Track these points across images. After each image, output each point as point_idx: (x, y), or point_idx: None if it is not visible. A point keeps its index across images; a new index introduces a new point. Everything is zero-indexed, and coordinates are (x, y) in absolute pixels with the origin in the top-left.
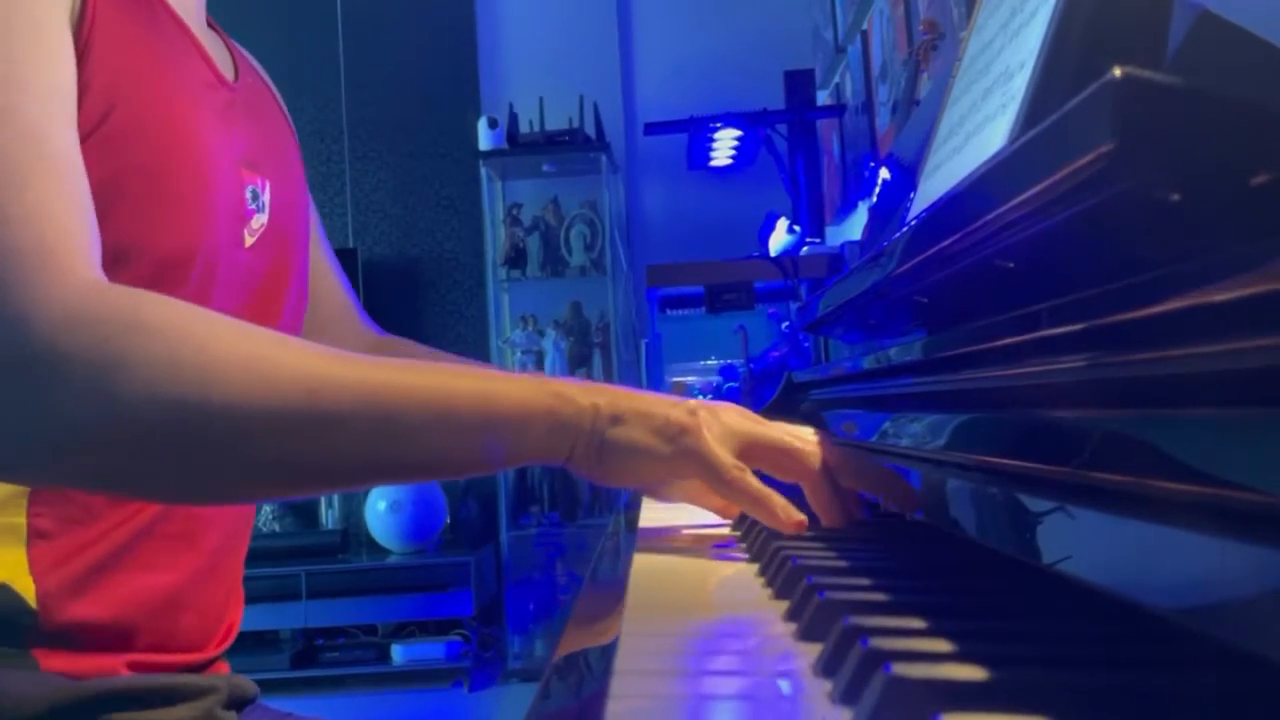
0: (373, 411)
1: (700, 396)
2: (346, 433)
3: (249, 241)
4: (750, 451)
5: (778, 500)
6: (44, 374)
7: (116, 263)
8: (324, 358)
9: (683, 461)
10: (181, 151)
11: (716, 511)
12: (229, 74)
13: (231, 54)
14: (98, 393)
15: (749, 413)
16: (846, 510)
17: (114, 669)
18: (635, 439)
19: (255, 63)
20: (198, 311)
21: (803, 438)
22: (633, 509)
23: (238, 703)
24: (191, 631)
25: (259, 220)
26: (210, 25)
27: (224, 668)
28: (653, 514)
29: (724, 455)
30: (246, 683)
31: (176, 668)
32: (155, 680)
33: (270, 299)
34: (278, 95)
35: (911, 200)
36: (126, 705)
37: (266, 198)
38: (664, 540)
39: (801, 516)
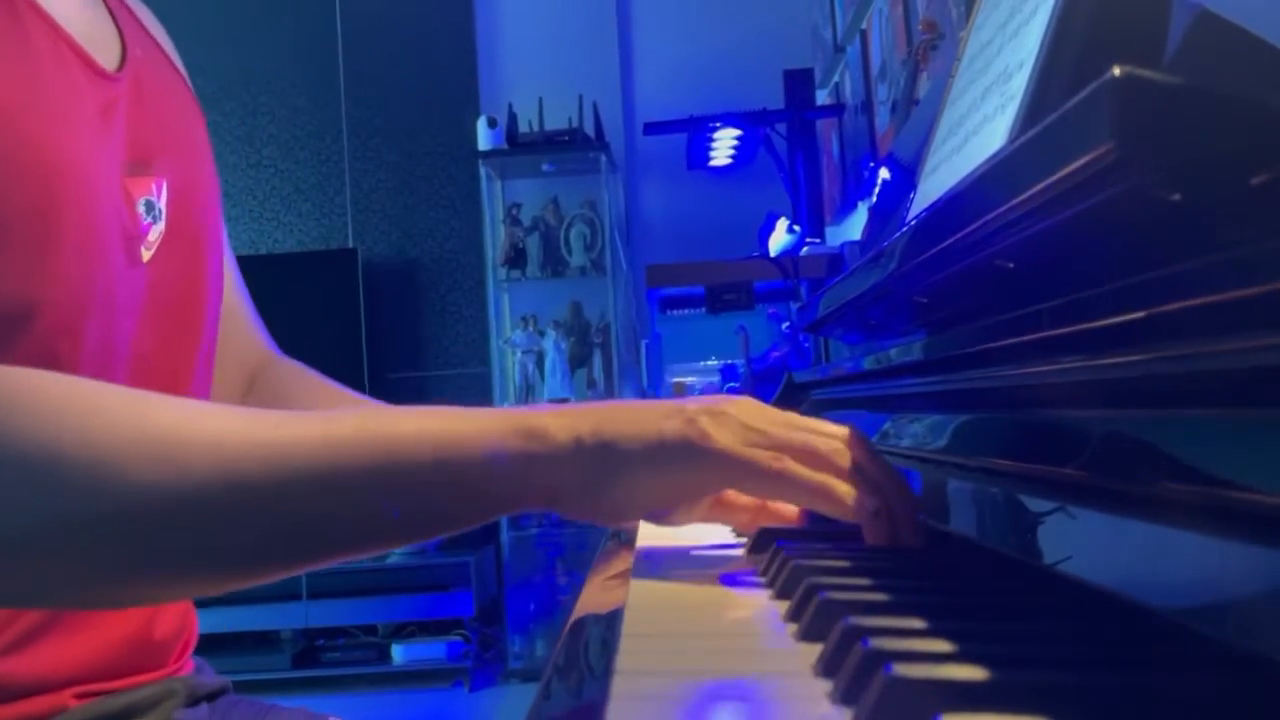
0: (302, 480)
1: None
2: (274, 510)
3: (147, 256)
4: (769, 446)
5: (840, 486)
6: None
7: (8, 325)
8: (244, 421)
9: (699, 474)
10: (61, 188)
11: (741, 527)
12: (112, 60)
13: (118, 24)
14: None
15: (762, 404)
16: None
17: (60, 703)
18: (632, 463)
19: (150, 21)
20: (77, 387)
21: (829, 434)
22: None
23: (204, 697)
24: (144, 661)
25: (156, 230)
26: None
27: (187, 666)
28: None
29: (751, 450)
30: (212, 677)
31: (132, 686)
32: (105, 704)
33: (186, 310)
34: (171, 51)
35: (911, 200)
36: None
37: (162, 203)
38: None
39: (877, 501)
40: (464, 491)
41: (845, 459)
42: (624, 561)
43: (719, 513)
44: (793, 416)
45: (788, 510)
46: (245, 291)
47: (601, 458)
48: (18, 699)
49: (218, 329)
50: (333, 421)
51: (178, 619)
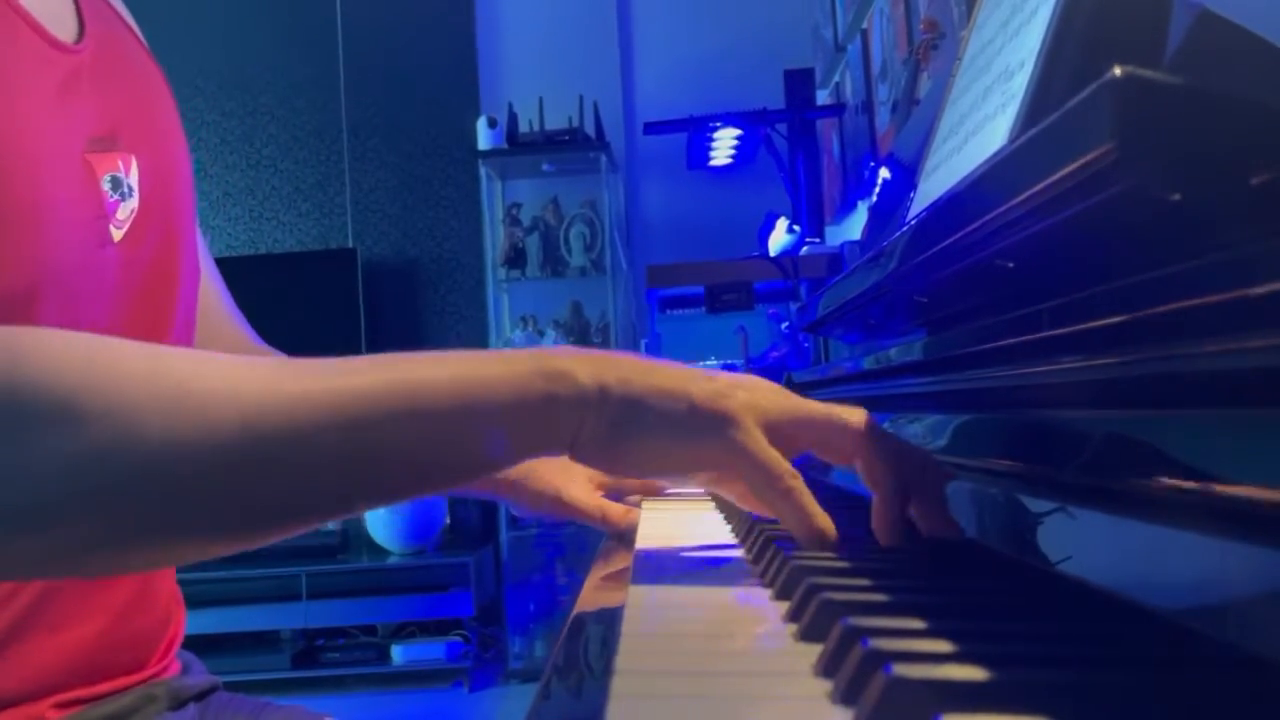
0: (325, 428)
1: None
2: (298, 460)
3: (118, 236)
4: (795, 430)
5: (832, 529)
6: None
7: None
8: (257, 372)
9: (717, 454)
10: (9, 164)
11: (739, 499)
12: (69, 33)
13: (78, 4)
14: None
15: (782, 389)
16: (906, 499)
17: (39, 714)
18: (656, 424)
19: (117, 4)
20: (92, 345)
21: (854, 410)
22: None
23: (191, 698)
24: (126, 661)
25: (126, 208)
26: None
27: (173, 666)
28: (651, 529)
29: (774, 455)
30: (200, 676)
31: (114, 692)
32: (85, 714)
33: (160, 292)
34: (143, 39)
35: (911, 200)
36: None
37: (134, 179)
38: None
39: (834, 535)
40: (488, 437)
41: (870, 432)
42: (623, 561)
43: (719, 485)
44: (811, 406)
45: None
46: (220, 279)
47: (626, 411)
48: None
49: (195, 311)
50: (353, 369)
51: (159, 612)
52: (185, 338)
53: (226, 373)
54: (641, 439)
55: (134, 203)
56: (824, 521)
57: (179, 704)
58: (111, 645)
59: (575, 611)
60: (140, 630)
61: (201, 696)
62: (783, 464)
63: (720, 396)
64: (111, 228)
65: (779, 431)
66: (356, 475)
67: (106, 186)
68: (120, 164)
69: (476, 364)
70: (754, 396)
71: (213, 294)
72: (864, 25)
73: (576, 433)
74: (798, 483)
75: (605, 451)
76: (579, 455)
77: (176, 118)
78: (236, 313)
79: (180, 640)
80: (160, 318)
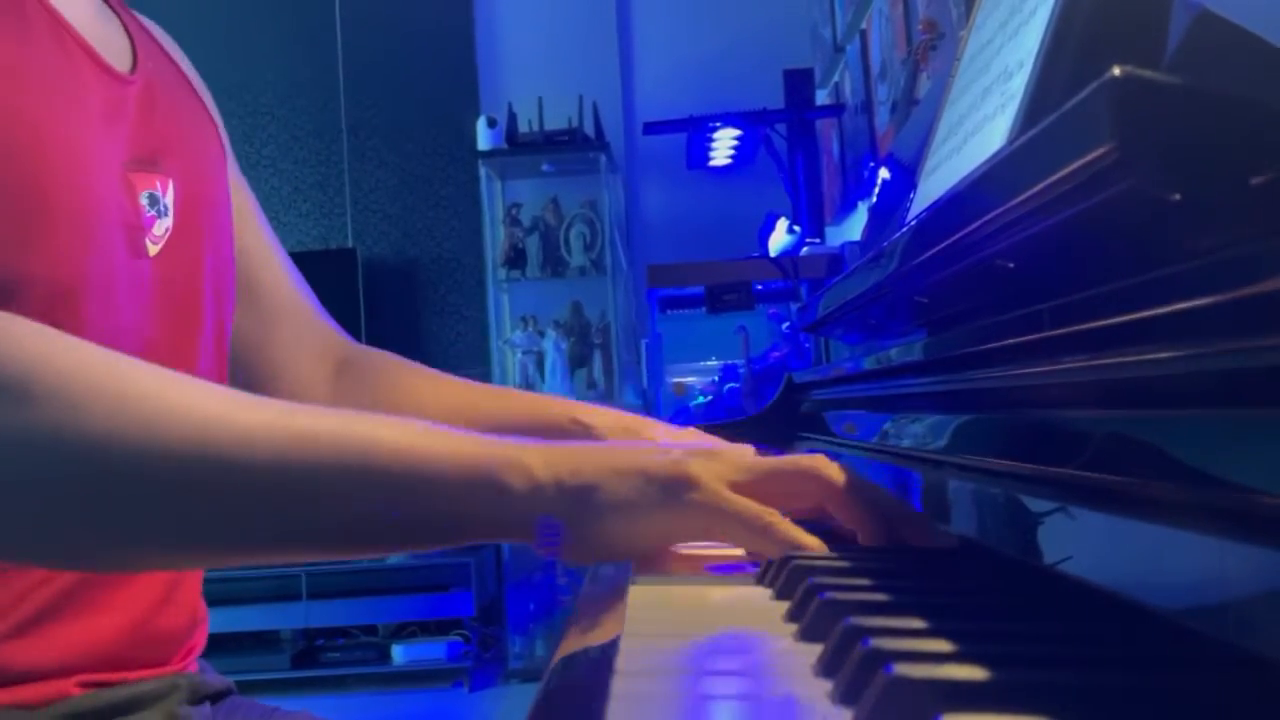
0: (272, 464)
1: (700, 398)
2: (241, 490)
3: (153, 250)
4: (759, 485)
5: (817, 545)
6: None
7: (1, 297)
8: (218, 397)
9: (687, 520)
10: (55, 168)
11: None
12: (123, 65)
13: (131, 38)
14: None
15: (745, 449)
16: (887, 526)
17: (64, 691)
18: (615, 503)
19: (165, 40)
20: (59, 338)
21: (812, 457)
22: None
23: (208, 697)
24: (146, 654)
25: (162, 225)
26: (109, 2)
27: (192, 667)
28: None
29: (742, 500)
30: (216, 678)
31: (137, 680)
32: (110, 694)
33: (188, 306)
34: (192, 75)
35: (911, 200)
36: None
37: (169, 199)
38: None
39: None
40: (435, 511)
41: (835, 473)
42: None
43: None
44: (773, 460)
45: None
46: (308, 289)
47: (582, 500)
48: (21, 683)
49: (228, 334)
50: (317, 415)
51: (184, 615)
52: (216, 360)
53: (186, 389)
54: (607, 519)
55: (169, 221)
56: (816, 542)
57: (198, 699)
58: (137, 639)
59: (575, 611)
60: (165, 630)
61: (217, 698)
62: (750, 505)
63: (676, 465)
64: (147, 241)
65: (744, 490)
66: (296, 516)
67: (144, 201)
68: (159, 184)
69: (435, 437)
70: (712, 461)
71: (303, 302)
72: (863, 25)
73: (534, 526)
74: (774, 517)
75: (575, 540)
76: (543, 550)
77: (220, 154)
78: (329, 318)
79: (201, 647)
80: (190, 335)
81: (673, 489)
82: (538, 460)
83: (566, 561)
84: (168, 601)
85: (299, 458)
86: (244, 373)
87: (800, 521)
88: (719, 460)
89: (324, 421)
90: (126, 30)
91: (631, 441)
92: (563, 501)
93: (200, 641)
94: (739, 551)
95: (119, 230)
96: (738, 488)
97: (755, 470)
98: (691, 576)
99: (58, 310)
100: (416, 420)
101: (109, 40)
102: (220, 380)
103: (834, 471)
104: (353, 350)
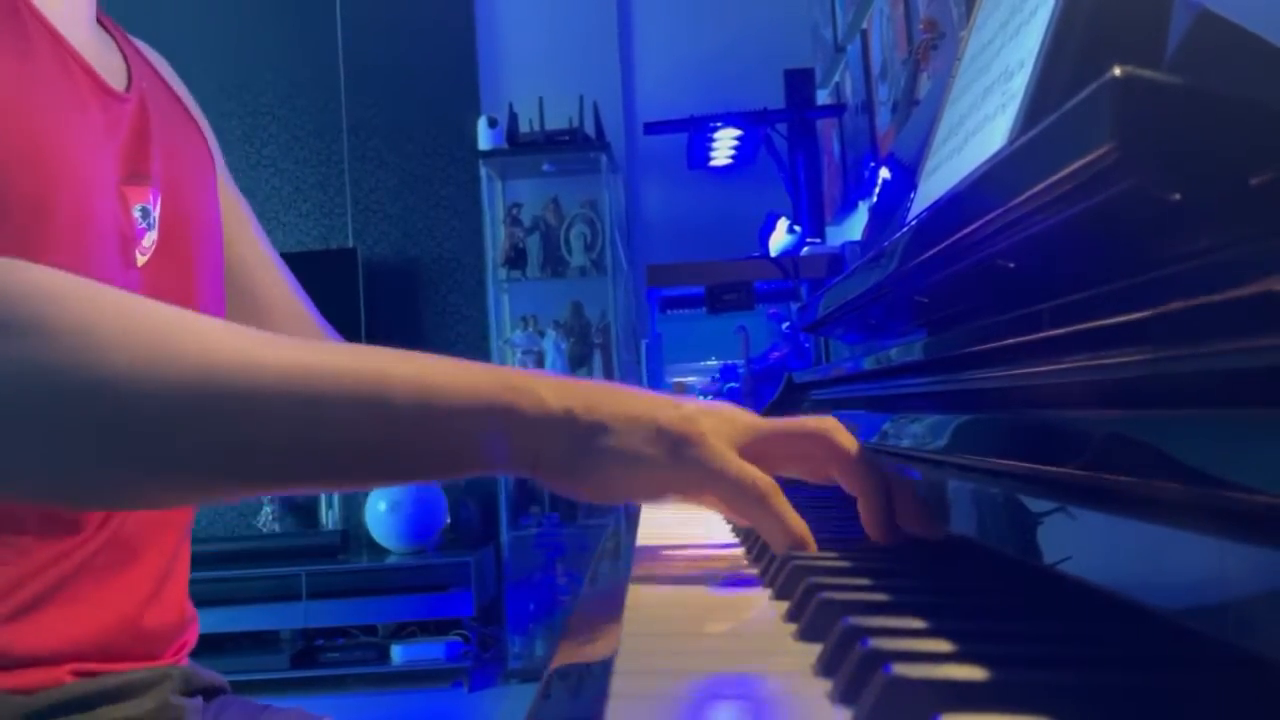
0: (284, 390)
1: (700, 397)
2: (255, 421)
3: (141, 261)
4: (767, 446)
5: (809, 536)
6: None
7: None
8: (229, 332)
9: (687, 476)
10: (57, 180)
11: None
12: (118, 83)
13: (126, 60)
14: None
15: (750, 413)
16: (891, 497)
17: (57, 679)
18: (623, 449)
19: (157, 61)
20: (75, 279)
21: (822, 419)
22: (632, 512)
23: (201, 691)
24: (137, 647)
25: (150, 237)
26: (105, 25)
27: (182, 661)
28: (651, 529)
29: (745, 467)
30: (209, 674)
31: (125, 670)
32: (102, 682)
33: None
34: (184, 95)
35: (912, 200)
36: (72, 710)
37: (157, 213)
38: (663, 552)
39: (811, 541)
40: (445, 439)
41: (846, 438)
42: (622, 561)
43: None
44: (779, 422)
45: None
46: (304, 294)
47: (591, 436)
48: (16, 668)
49: None
50: (327, 351)
51: (173, 613)
52: None
53: (201, 328)
54: (608, 464)
55: (155, 235)
56: (800, 527)
57: (190, 691)
58: (127, 633)
59: (575, 611)
60: (154, 627)
61: (210, 694)
62: (753, 472)
63: (687, 420)
64: (137, 252)
65: (749, 451)
66: (308, 446)
67: (137, 214)
68: (150, 196)
69: (443, 367)
70: (720, 421)
71: (283, 286)
72: (864, 25)
73: (539, 454)
74: (771, 490)
75: (571, 475)
76: (543, 477)
77: (209, 169)
78: (323, 322)
79: (192, 645)
80: None
81: (680, 444)
82: (550, 390)
83: (561, 494)
84: (157, 598)
85: (310, 389)
86: None
87: (808, 489)
88: (729, 421)
89: (338, 356)
90: (122, 53)
91: (644, 391)
92: (570, 435)
93: (191, 639)
94: (738, 552)
95: (114, 242)
96: (744, 450)
97: (763, 431)
98: (691, 576)
99: None
100: (429, 356)
101: (106, 61)
102: None
103: (844, 437)
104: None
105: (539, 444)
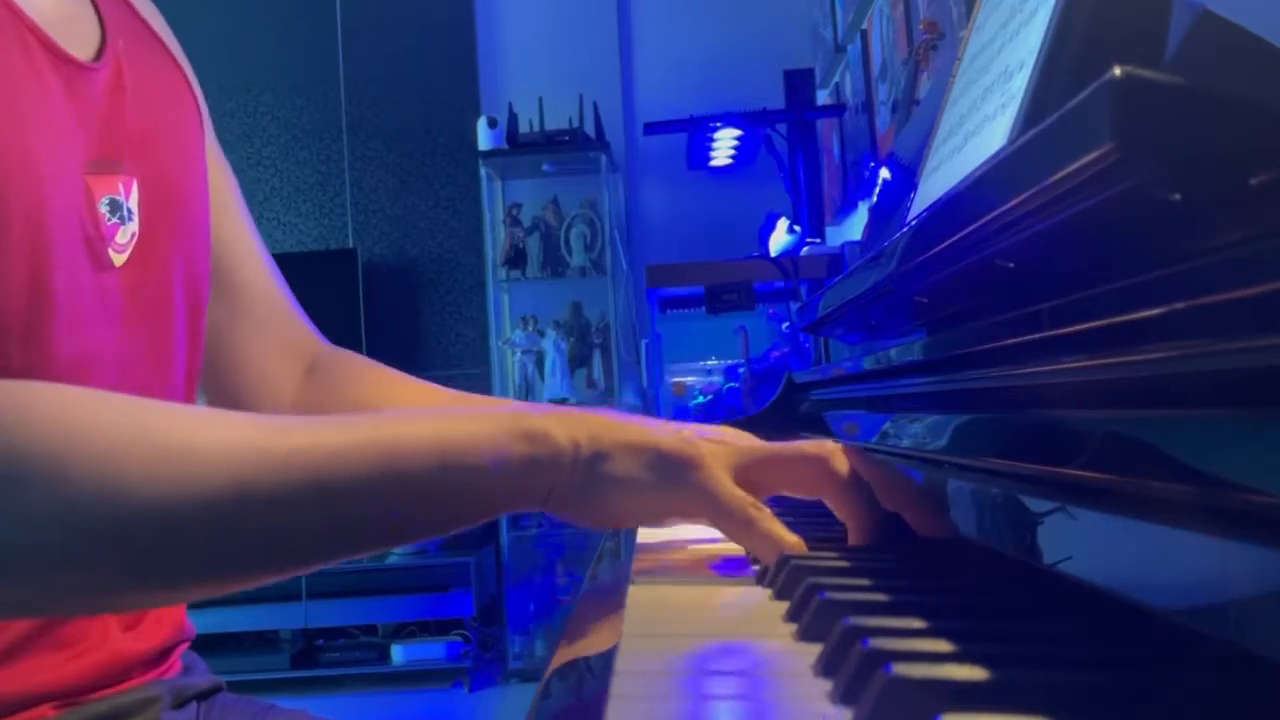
0: (309, 490)
1: (700, 398)
2: (281, 519)
3: (119, 260)
4: (762, 469)
5: (794, 541)
6: None
7: None
8: (247, 429)
9: (684, 500)
10: (8, 178)
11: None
12: (87, 50)
13: (101, 15)
14: None
15: (749, 436)
16: (880, 523)
17: (40, 714)
18: (623, 476)
19: (145, 13)
20: (82, 401)
21: (820, 444)
22: None
23: (194, 697)
24: (126, 674)
25: (126, 232)
26: None
27: (175, 667)
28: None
29: (735, 492)
30: (203, 676)
31: (113, 694)
32: (88, 710)
33: (159, 316)
34: (169, 40)
35: (912, 200)
36: None
37: (133, 202)
38: (663, 552)
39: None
40: (465, 495)
41: (838, 463)
42: (622, 562)
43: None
44: (775, 446)
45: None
46: (284, 283)
47: (594, 464)
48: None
49: (202, 338)
50: (338, 428)
51: (165, 630)
52: (188, 368)
53: (216, 430)
54: (611, 491)
55: (134, 226)
56: (791, 541)
57: (181, 703)
58: (113, 664)
59: (575, 611)
60: (143, 650)
61: (204, 696)
62: (742, 498)
63: (685, 444)
64: (111, 251)
65: (745, 474)
66: (338, 532)
67: (104, 209)
68: (120, 187)
69: (456, 424)
70: (718, 446)
71: (278, 296)
72: (864, 25)
73: (551, 490)
74: (759, 512)
75: (578, 505)
76: (553, 509)
77: (198, 134)
78: (304, 315)
79: (186, 645)
80: (164, 346)
81: (678, 469)
82: (558, 426)
83: (568, 522)
84: (144, 620)
85: (332, 477)
86: (209, 362)
87: (809, 509)
88: (726, 445)
89: (351, 434)
90: (96, 8)
91: (647, 419)
92: (575, 467)
93: (184, 642)
94: (738, 550)
95: (79, 244)
96: (740, 471)
97: (759, 456)
98: (691, 575)
99: (20, 338)
100: (436, 411)
101: (74, 23)
102: (191, 386)
103: (838, 463)
104: (325, 351)
105: (551, 482)
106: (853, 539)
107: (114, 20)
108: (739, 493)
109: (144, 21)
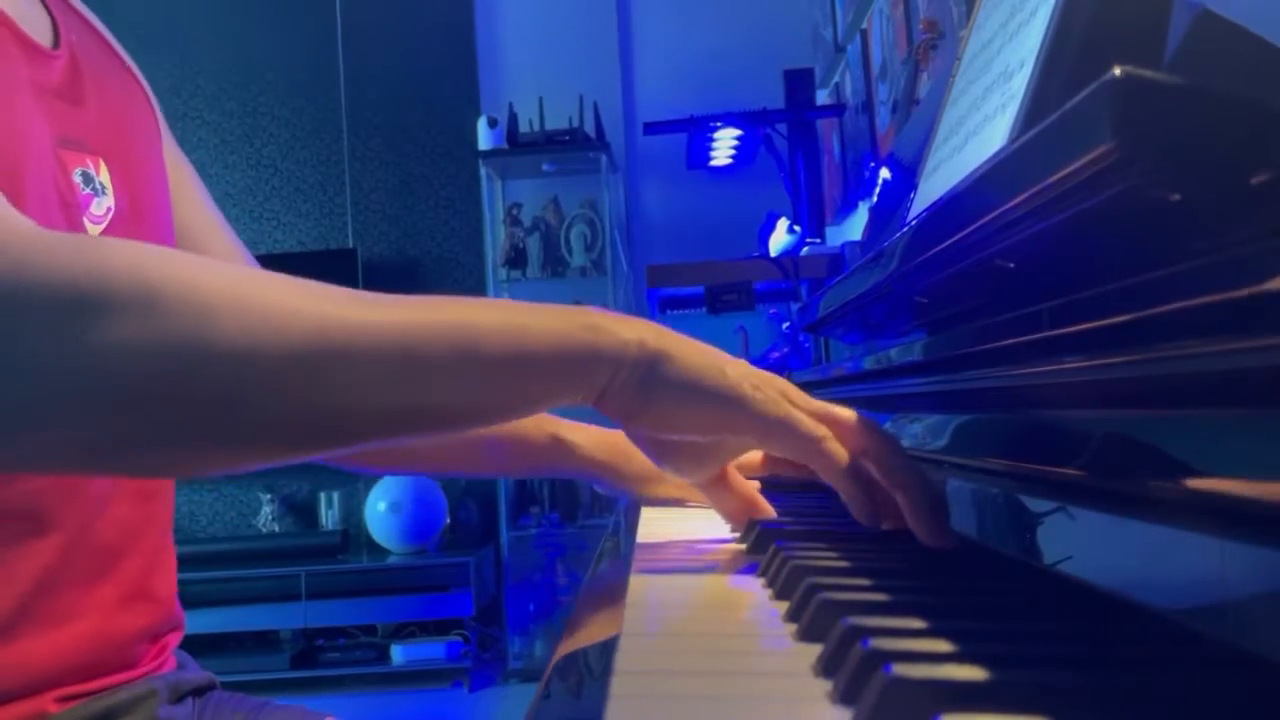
0: (390, 351)
1: None
2: (362, 376)
3: (95, 231)
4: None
5: (868, 471)
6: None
7: None
8: (330, 293)
9: (747, 415)
10: None
11: (729, 514)
12: (45, 40)
13: (50, 13)
14: (67, 340)
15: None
16: (886, 509)
17: (41, 708)
18: (684, 379)
19: (90, 17)
20: (175, 252)
21: (823, 419)
22: (632, 513)
23: (189, 693)
24: (119, 657)
25: (101, 204)
26: None
27: (169, 664)
28: (651, 528)
29: (804, 416)
30: (196, 673)
31: (112, 687)
32: (86, 707)
33: None
34: (118, 47)
35: (912, 200)
36: None
37: (105, 178)
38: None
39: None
40: (533, 381)
41: (873, 444)
42: (622, 561)
43: (716, 491)
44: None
45: (771, 509)
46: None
47: (656, 363)
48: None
49: None
50: (421, 305)
51: (157, 611)
52: None
53: (301, 290)
54: (667, 393)
55: (109, 201)
56: (845, 459)
57: (177, 698)
58: (109, 642)
59: (575, 611)
60: (136, 629)
61: (199, 693)
62: (805, 417)
63: (751, 374)
64: (87, 221)
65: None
66: (412, 401)
67: (78, 179)
68: (90, 164)
69: (527, 314)
70: (771, 383)
71: (240, 256)
72: (864, 25)
73: (608, 384)
74: (825, 431)
75: (631, 404)
76: (606, 406)
77: (155, 132)
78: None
79: (178, 640)
80: None
81: (742, 387)
82: (624, 325)
83: (618, 421)
84: (138, 602)
85: (411, 346)
86: None
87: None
88: (781, 382)
89: (433, 311)
90: (46, 8)
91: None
92: (637, 363)
93: (175, 637)
94: (738, 548)
95: (56, 207)
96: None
97: (810, 404)
98: (692, 576)
99: None
100: (505, 302)
101: (29, 17)
102: None
103: (830, 447)
104: None
105: (609, 375)
106: (907, 512)
107: (64, 20)
108: (806, 417)
109: (92, 26)
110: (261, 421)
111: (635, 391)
